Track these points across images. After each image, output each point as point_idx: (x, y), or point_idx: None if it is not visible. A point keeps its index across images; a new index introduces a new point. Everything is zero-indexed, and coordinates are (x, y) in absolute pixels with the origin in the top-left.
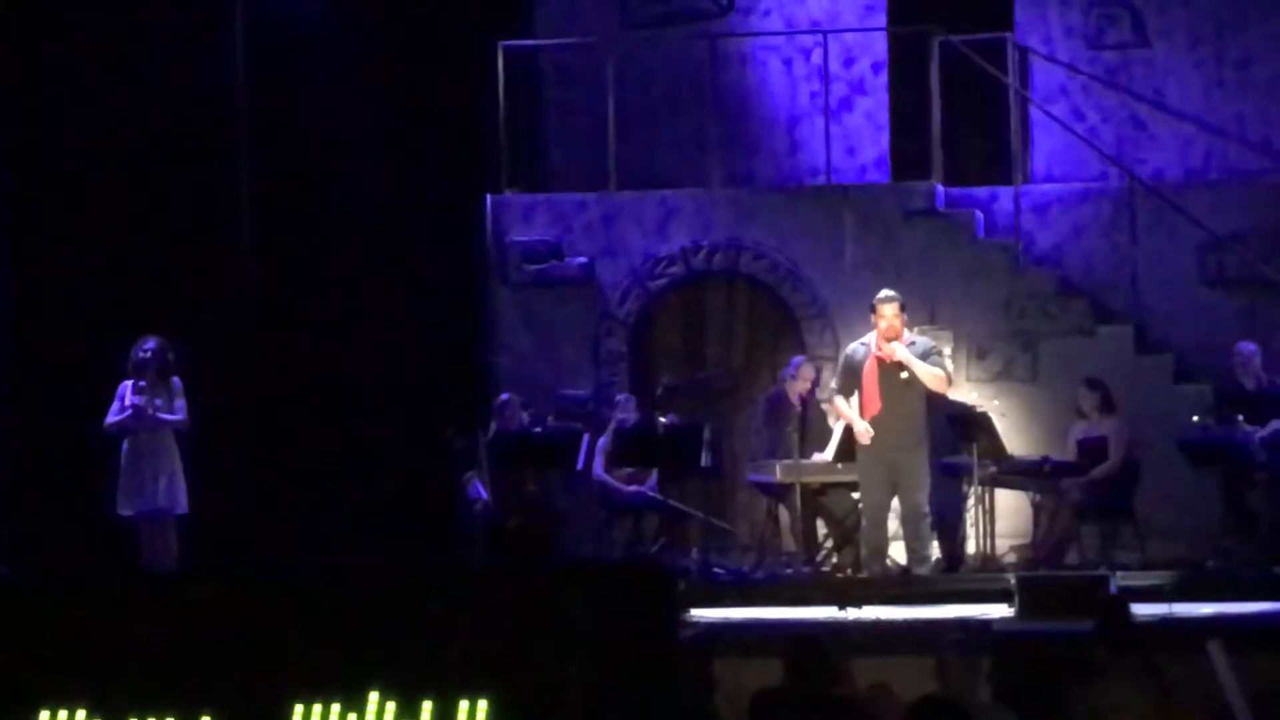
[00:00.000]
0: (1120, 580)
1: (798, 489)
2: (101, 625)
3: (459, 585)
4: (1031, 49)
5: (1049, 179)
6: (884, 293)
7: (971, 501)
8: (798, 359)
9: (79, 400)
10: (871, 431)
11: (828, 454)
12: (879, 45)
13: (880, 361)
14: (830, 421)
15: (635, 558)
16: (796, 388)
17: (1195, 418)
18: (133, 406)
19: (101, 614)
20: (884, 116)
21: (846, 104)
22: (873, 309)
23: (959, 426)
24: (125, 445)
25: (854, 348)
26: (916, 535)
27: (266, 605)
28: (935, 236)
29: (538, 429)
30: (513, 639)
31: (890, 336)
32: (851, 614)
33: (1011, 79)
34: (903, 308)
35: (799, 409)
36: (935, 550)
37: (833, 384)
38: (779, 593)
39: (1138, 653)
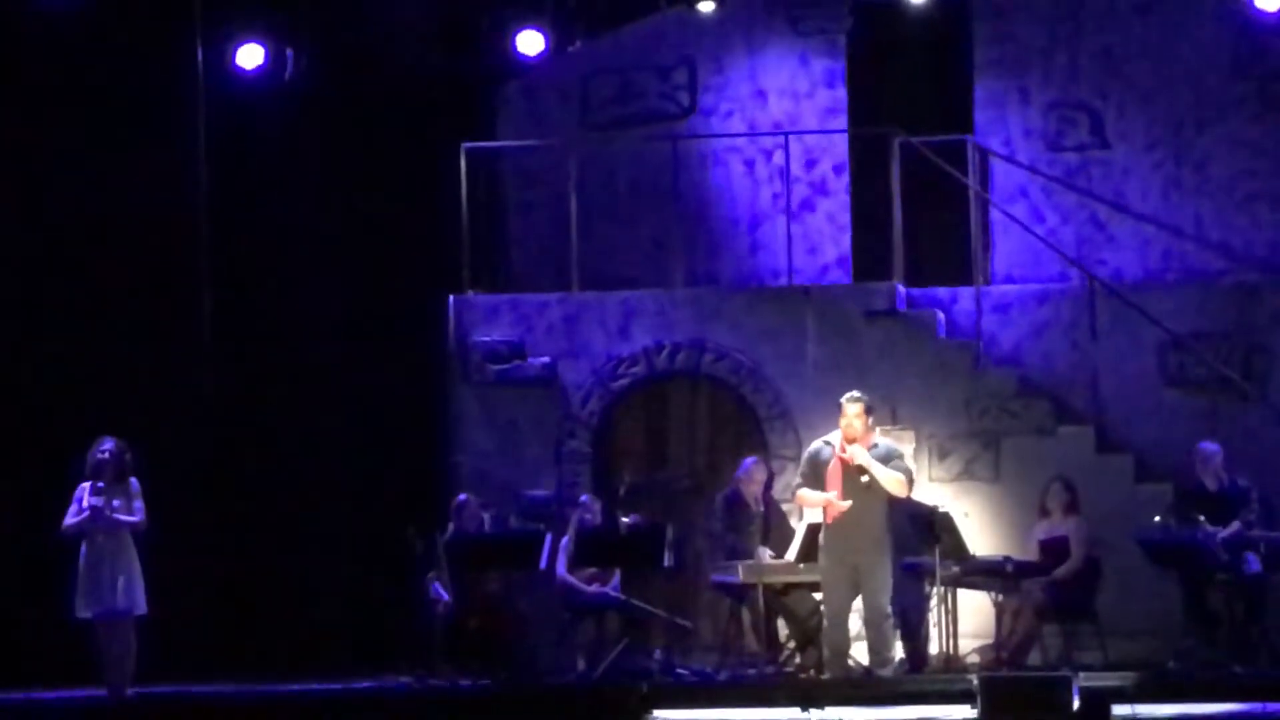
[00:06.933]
0: (1083, 681)
1: (760, 589)
2: None
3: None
4: (991, 150)
5: (1009, 279)
6: (851, 393)
7: (934, 602)
8: (749, 460)
9: (36, 502)
10: (845, 503)
11: (790, 555)
12: (840, 147)
13: (844, 463)
14: (792, 522)
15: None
16: (750, 489)
17: (1156, 518)
18: (90, 508)
19: None
20: (845, 217)
21: (808, 205)
22: (840, 406)
23: (921, 527)
24: (83, 547)
25: (818, 446)
26: (879, 636)
27: None
28: (897, 337)
29: (496, 530)
30: None
31: (850, 438)
32: (814, 715)
33: (972, 180)
34: (869, 410)
35: (760, 509)
36: (898, 651)
37: (796, 480)
38: (742, 693)
39: None
